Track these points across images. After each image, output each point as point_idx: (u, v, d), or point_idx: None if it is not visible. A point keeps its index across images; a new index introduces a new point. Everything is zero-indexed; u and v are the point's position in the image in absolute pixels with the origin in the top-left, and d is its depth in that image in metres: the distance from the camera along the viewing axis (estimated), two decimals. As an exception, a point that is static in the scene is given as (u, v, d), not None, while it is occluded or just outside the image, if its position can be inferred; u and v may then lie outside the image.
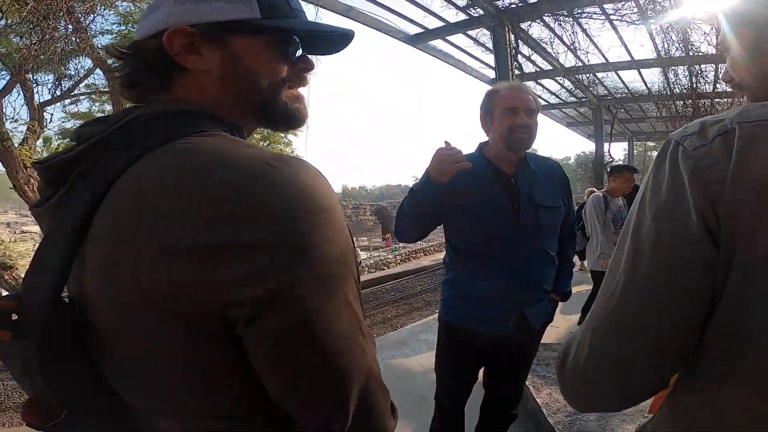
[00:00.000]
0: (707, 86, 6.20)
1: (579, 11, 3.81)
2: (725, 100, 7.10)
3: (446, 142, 1.34)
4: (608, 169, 4.13)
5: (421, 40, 5.39)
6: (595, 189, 6.14)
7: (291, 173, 0.40)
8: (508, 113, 1.40)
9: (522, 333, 1.48)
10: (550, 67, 5.76)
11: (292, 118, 0.53)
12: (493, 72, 5.97)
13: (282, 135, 19.36)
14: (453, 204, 1.41)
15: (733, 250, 0.43)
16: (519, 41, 4.73)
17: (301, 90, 0.56)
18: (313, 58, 0.57)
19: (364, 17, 4.86)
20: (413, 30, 5.20)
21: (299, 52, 0.54)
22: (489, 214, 1.42)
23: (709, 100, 7.08)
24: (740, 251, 0.42)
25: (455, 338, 1.53)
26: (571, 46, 4.83)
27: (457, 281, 1.53)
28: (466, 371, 1.59)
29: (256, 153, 0.41)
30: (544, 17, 4.01)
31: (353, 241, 0.45)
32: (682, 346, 0.47)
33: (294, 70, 0.53)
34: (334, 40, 0.57)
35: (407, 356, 3.45)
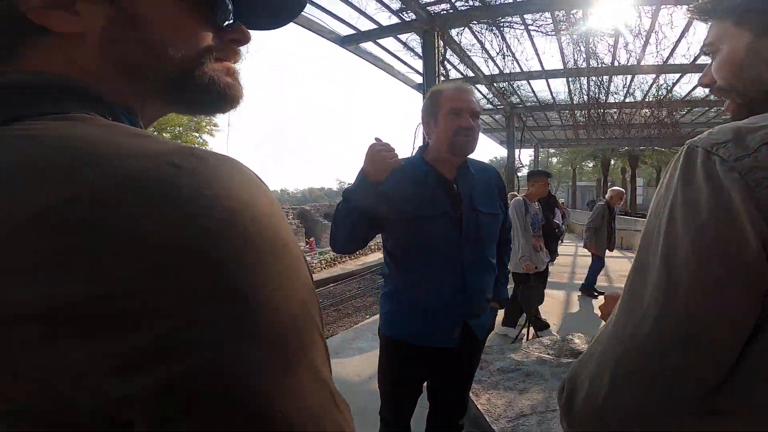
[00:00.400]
0: (610, 97, 7.03)
1: (502, 20, 4.11)
2: (627, 111, 8.11)
3: (377, 139, 1.29)
4: (522, 174, 4.50)
5: (352, 41, 5.42)
6: (516, 193, 6.64)
7: (211, 178, 0.26)
8: (453, 115, 1.36)
9: (466, 344, 1.45)
10: (473, 75, 6.11)
11: (220, 97, 0.40)
12: (420, 77, 6.22)
13: (196, 134, 18.15)
14: (393, 211, 1.34)
15: None
16: (447, 48, 4.96)
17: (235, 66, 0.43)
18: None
19: (299, 18, 4.77)
20: (345, 31, 5.22)
21: (230, 20, 0.42)
22: (431, 221, 1.36)
23: (615, 110, 8.01)
24: None
25: (399, 354, 1.45)
26: (493, 55, 5.18)
27: (397, 294, 1.45)
28: (411, 387, 1.54)
29: (150, 145, 0.27)
30: (471, 25, 4.26)
31: (309, 272, 0.32)
32: (719, 378, 0.43)
33: (222, 40, 0.40)
34: (275, 9, 0.45)
35: (341, 366, 3.36)
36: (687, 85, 6.72)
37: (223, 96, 0.40)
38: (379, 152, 1.25)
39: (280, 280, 0.27)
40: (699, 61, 5.02)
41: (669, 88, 6.74)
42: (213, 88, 0.39)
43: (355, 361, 3.43)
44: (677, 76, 6.13)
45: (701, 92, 6.97)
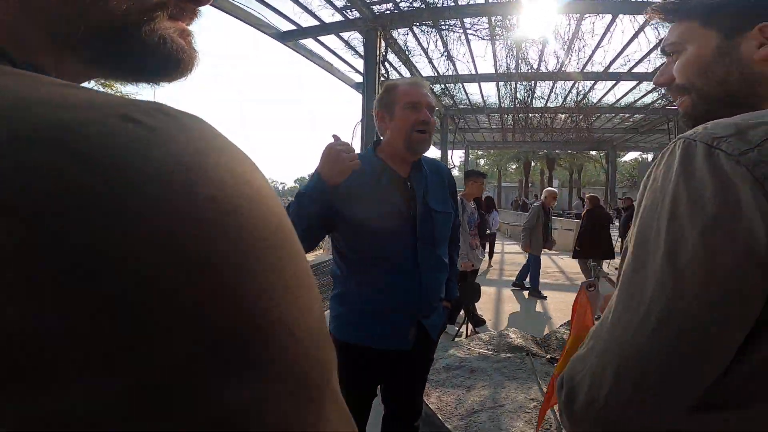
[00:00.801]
0: (536, 101, 7.59)
1: (443, 23, 4.29)
2: (550, 115, 8.76)
3: (335, 136, 1.25)
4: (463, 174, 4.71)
5: (292, 37, 5.33)
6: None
7: (190, 143, 0.18)
8: (410, 108, 1.33)
9: (420, 345, 1.43)
10: (411, 76, 6.29)
11: (170, 61, 0.32)
12: (360, 76, 6.27)
13: None
14: (346, 210, 1.30)
15: None
16: (389, 48, 5.07)
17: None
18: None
19: (234, 9, 4.61)
20: (286, 26, 5.12)
21: None
22: (386, 220, 1.32)
23: (539, 114, 8.62)
24: None
25: (352, 358, 1.36)
26: (432, 57, 5.38)
27: (349, 295, 1.40)
28: (366, 392, 1.49)
29: (92, 95, 0.19)
30: (413, 26, 4.39)
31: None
32: (716, 375, 0.43)
33: None
34: None
35: None
36: (600, 91, 7.48)
37: (174, 60, 0.32)
38: (339, 153, 1.17)
39: (292, 289, 0.20)
40: (611, 69, 5.62)
41: (584, 93, 7.45)
42: (162, 50, 0.31)
43: None
44: (592, 83, 6.80)
45: (611, 98, 7.80)
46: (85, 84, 0.31)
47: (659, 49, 0.69)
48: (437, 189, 1.45)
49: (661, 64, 0.67)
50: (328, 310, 1.49)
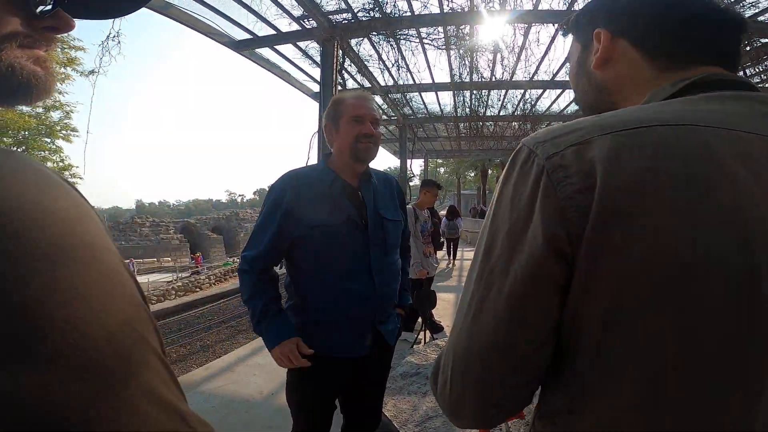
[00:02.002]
0: (488, 110, 7.87)
1: (399, 32, 4.40)
2: (501, 123, 9.10)
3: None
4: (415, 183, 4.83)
5: (248, 46, 5.27)
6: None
7: None
8: (355, 122, 1.39)
9: (378, 351, 1.47)
10: (369, 85, 6.36)
11: (21, 87, 0.34)
12: (318, 86, 6.28)
13: (47, 140, 15.16)
14: (301, 223, 1.35)
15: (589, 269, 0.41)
16: (346, 57, 5.12)
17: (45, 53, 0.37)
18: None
19: (185, 17, 4.51)
20: (240, 35, 5.06)
21: (49, 5, 0.36)
22: (339, 229, 1.37)
23: (490, 122, 8.92)
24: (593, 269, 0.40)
25: (310, 369, 1.37)
26: (389, 66, 5.48)
27: (304, 305, 1.43)
28: (326, 401, 1.50)
29: None
30: (370, 36, 4.47)
31: (139, 289, 0.30)
32: (538, 365, 0.46)
33: (34, 26, 0.35)
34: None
35: (240, 384, 3.21)
36: (547, 101, 7.89)
37: (24, 86, 0.34)
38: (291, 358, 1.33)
39: (87, 296, 0.23)
40: (557, 78, 5.96)
41: (533, 102, 7.83)
42: (12, 78, 0.33)
43: (255, 379, 3.28)
44: (540, 92, 7.16)
45: (557, 107, 8.24)
46: None
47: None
48: (387, 199, 1.51)
49: None
50: None
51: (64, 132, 15.44)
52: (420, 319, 4.07)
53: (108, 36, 4.08)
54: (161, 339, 0.30)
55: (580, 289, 0.41)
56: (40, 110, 14.32)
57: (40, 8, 0.35)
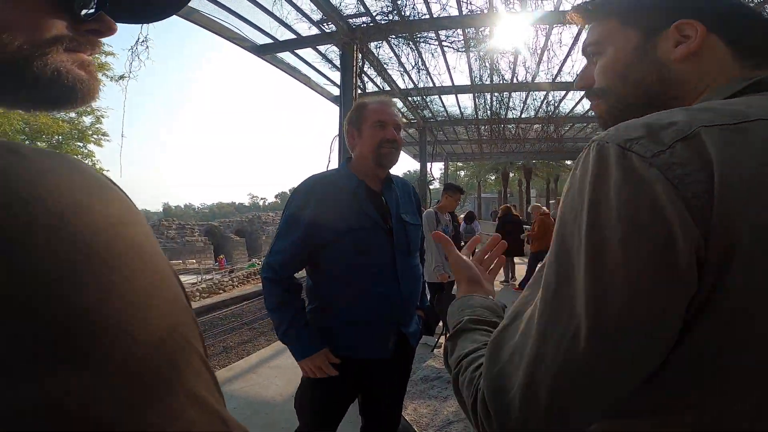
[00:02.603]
0: (509, 112, 7.77)
1: (418, 35, 4.39)
2: (523, 125, 8.97)
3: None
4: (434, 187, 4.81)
5: (269, 50, 5.35)
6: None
7: (33, 177, 0.22)
8: (378, 127, 1.40)
9: (399, 353, 1.48)
10: (389, 89, 6.37)
11: (66, 91, 0.34)
12: (338, 89, 6.33)
13: (79, 144, 15.76)
14: (329, 230, 1.36)
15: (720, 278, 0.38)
16: (365, 61, 5.14)
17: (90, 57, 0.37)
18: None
19: (209, 22, 4.61)
20: (262, 40, 5.14)
21: (92, 8, 0.36)
22: (368, 234, 1.38)
23: (512, 125, 8.80)
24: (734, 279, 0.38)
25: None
26: (409, 69, 5.47)
27: (329, 309, 1.43)
28: (341, 404, 1.50)
29: None
30: (389, 39, 4.47)
31: (184, 291, 0.29)
32: (627, 391, 0.43)
33: (78, 30, 0.35)
34: (154, 2, 0.40)
35: (261, 386, 3.23)
36: (571, 102, 7.73)
37: (70, 90, 0.34)
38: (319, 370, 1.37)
39: (137, 301, 0.23)
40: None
41: (556, 104, 7.69)
42: (58, 82, 0.33)
43: (276, 381, 3.29)
44: (563, 93, 7.02)
45: (581, 108, 8.06)
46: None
47: (581, 50, 0.64)
48: (406, 203, 1.53)
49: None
50: None
51: (95, 136, 16.06)
52: (441, 323, 4.03)
53: (137, 41, 4.21)
54: (204, 342, 0.30)
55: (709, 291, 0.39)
56: (73, 115, 14.93)
57: (84, 11, 0.35)
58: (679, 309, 0.39)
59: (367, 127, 1.41)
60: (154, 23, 0.43)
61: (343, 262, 1.39)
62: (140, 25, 0.41)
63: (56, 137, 15.08)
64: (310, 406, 1.48)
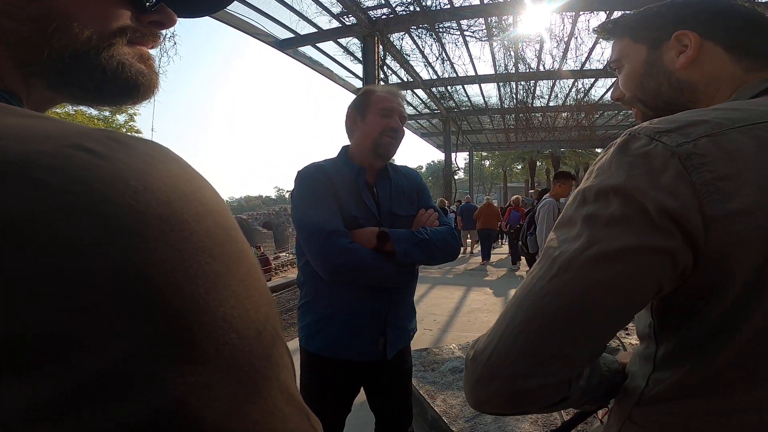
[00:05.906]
0: (536, 101, 7.56)
1: (439, 25, 4.31)
2: (550, 114, 8.73)
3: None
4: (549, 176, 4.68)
5: (291, 45, 5.39)
6: (443, 198, 6.93)
7: (140, 166, 0.21)
8: (384, 114, 1.37)
9: (394, 354, 1.42)
10: (411, 79, 6.31)
11: (128, 85, 0.34)
12: (360, 81, 6.31)
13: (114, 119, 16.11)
14: (342, 213, 1.30)
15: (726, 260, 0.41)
16: (387, 52, 5.10)
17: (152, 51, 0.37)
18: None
19: (231, 18, 4.67)
20: (283, 34, 5.17)
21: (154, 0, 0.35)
22: (365, 224, 1.34)
23: (540, 113, 8.58)
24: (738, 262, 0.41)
25: (322, 370, 1.35)
26: (431, 60, 5.40)
27: (317, 303, 1.39)
28: (340, 404, 1.46)
29: (48, 126, 0.21)
30: (410, 30, 4.41)
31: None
32: (600, 349, 0.46)
33: (141, 21, 0.34)
34: None
35: None
36: (601, 89, 7.45)
37: (132, 84, 0.34)
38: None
39: (238, 292, 0.22)
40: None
41: (585, 91, 7.42)
42: (121, 75, 0.33)
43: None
44: (593, 80, 6.77)
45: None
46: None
47: (608, 66, 0.72)
48: (402, 194, 1.47)
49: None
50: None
51: (123, 130, 16.52)
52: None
53: (164, 36, 4.31)
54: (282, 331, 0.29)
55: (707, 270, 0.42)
56: (107, 113, 15.48)
57: (148, 2, 0.34)
58: (648, 274, 0.42)
59: (373, 113, 1.37)
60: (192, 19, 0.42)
61: None
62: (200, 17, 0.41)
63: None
64: (311, 408, 1.48)
